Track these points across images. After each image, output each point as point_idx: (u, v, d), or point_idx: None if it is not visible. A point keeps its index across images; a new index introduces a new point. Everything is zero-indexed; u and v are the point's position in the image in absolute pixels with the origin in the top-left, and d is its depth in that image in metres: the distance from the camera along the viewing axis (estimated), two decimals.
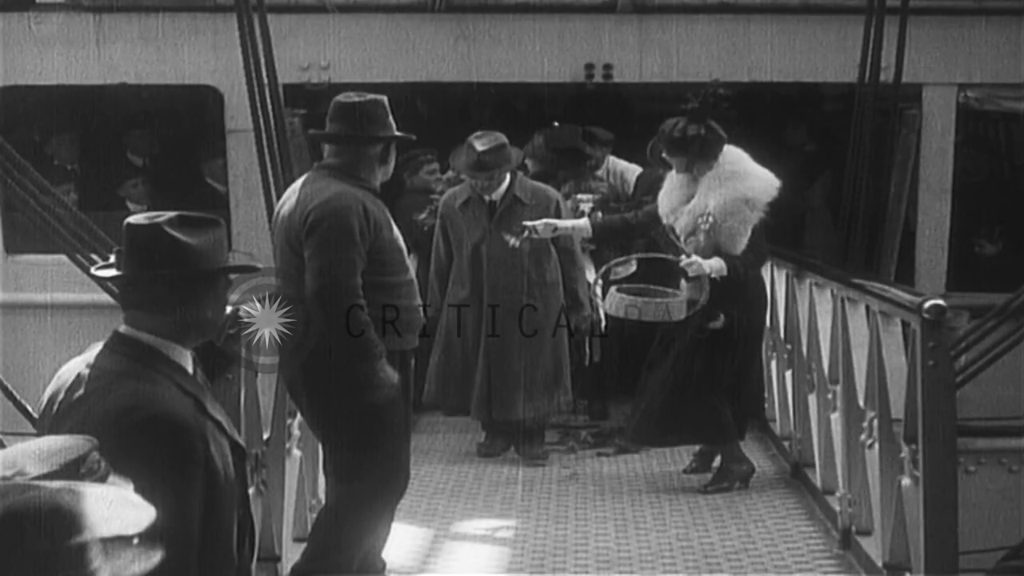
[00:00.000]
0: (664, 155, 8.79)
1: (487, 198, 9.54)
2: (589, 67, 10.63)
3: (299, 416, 7.73)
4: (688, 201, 8.67)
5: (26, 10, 10.58)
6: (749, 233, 8.54)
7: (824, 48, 10.41)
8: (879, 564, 7.14)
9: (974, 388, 7.95)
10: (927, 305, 6.47)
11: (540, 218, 9.18)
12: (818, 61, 10.36)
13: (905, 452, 6.80)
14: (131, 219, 4.03)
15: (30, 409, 7.48)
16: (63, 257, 7.62)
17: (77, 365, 4.12)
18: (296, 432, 7.66)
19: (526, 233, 8.96)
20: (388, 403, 6.50)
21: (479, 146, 9.35)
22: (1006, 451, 9.15)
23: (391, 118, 6.70)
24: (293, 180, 9.68)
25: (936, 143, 10.60)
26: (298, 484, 7.56)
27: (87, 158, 11.34)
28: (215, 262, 3.99)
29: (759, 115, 11.33)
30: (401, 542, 7.95)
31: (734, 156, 8.65)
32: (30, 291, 10.18)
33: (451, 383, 9.73)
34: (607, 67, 10.64)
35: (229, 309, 4.49)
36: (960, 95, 10.60)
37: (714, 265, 8.53)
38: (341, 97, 6.75)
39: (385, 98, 6.72)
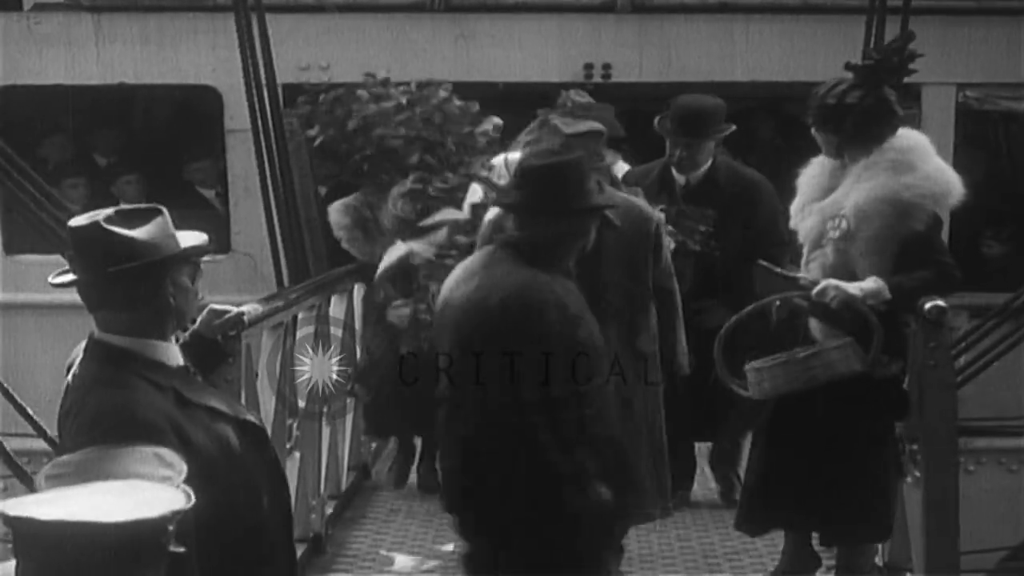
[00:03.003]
0: (813, 130, 6.54)
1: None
2: (588, 67, 10.62)
3: (299, 417, 7.75)
4: (824, 196, 6.42)
5: (17, 10, 10.59)
6: (896, 250, 6.25)
7: (824, 48, 10.40)
8: (879, 564, 7.14)
9: (974, 388, 7.96)
10: (927, 306, 6.45)
11: (636, 248, 6.73)
12: (818, 61, 10.35)
13: (905, 452, 6.79)
14: (72, 220, 3.99)
15: (29, 410, 7.51)
16: (62, 257, 7.62)
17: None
18: (296, 433, 7.67)
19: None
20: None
21: (566, 127, 6.98)
22: (1006, 451, 9.17)
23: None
24: (291, 181, 9.75)
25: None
26: (299, 485, 7.56)
27: (128, 154, 11.34)
28: (162, 251, 3.91)
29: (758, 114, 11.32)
30: (403, 543, 7.96)
31: (908, 142, 6.47)
32: (30, 291, 10.17)
33: None
34: (606, 67, 10.63)
35: (234, 311, 4.48)
36: (959, 95, 10.59)
37: (868, 287, 6.18)
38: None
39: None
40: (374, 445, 9.84)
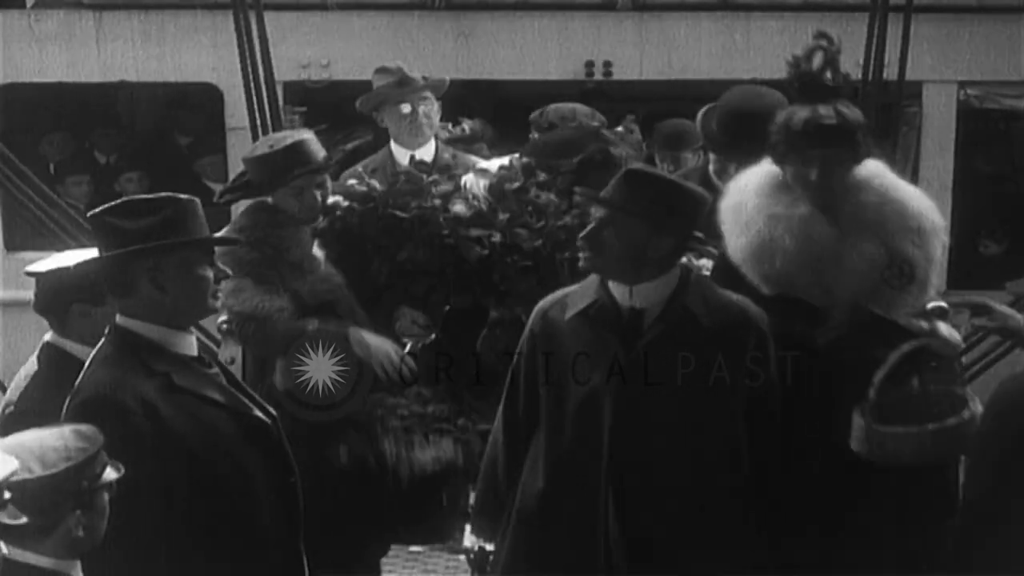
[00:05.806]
0: (781, 161, 5.41)
1: (626, 304, 4.79)
2: (589, 65, 10.62)
3: None
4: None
5: (18, 7, 10.60)
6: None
7: None
8: None
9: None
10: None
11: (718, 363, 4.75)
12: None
13: None
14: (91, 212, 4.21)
15: None
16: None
17: None
18: None
19: None
20: None
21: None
22: None
23: None
24: None
25: (936, 141, 10.59)
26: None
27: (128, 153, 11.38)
28: (151, 241, 4.07)
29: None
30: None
31: (874, 165, 5.72)
32: (30, 288, 10.17)
33: None
34: (607, 64, 10.63)
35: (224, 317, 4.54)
36: (961, 93, 10.59)
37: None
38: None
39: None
40: None
